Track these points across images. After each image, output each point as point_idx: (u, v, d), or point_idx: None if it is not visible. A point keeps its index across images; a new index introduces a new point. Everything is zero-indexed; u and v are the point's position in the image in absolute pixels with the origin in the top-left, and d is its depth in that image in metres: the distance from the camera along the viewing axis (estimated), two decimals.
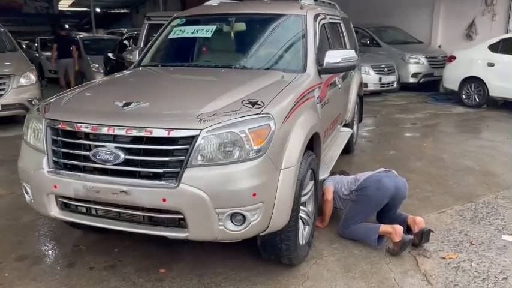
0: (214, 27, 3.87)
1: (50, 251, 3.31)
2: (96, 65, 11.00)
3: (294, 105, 2.82)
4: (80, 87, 3.21)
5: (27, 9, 22.35)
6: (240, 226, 2.42)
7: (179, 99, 2.79)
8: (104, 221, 2.61)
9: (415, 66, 11.24)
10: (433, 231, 3.55)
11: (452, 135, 7.29)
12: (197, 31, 3.92)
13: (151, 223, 2.51)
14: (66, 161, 2.56)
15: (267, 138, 2.44)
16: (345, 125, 5.36)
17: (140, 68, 3.82)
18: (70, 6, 28.20)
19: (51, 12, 23.95)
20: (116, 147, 2.43)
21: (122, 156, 2.40)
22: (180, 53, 3.99)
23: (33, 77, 7.07)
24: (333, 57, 3.51)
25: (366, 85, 10.15)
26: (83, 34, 16.11)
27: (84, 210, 2.69)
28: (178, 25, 4.08)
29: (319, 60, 3.53)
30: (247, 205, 2.38)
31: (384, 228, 3.26)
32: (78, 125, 2.52)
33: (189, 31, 3.96)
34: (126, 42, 10.63)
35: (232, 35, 3.93)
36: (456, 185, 4.69)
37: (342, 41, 5.17)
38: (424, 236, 3.29)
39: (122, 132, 2.42)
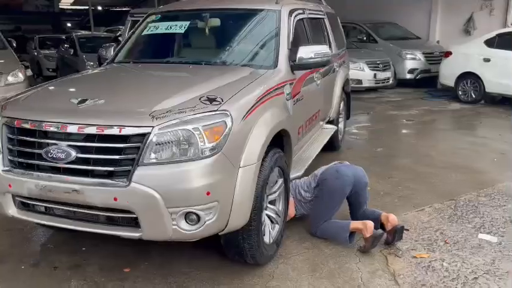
0: (187, 23, 3.82)
1: (16, 250, 3.28)
2: (91, 63, 10.98)
3: (257, 102, 2.76)
4: (44, 85, 3.17)
5: (27, 7, 22.44)
6: (194, 226, 2.37)
7: (136, 96, 2.74)
8: (60, 220, 2.57)
9: (412, 62, 11.12)
10: (407, 230, 3.49)
11: (445, 132, 7.19)
12: (170, 27, 3.86)
13: (105, 222, 2.47)
14: (20, 160, 2.52)
15: (223, 135, 2.39)
16: (329, 122, 5.29)
17: (113, 65, 3.77)
18: (72, 4, 28.27)
19: (51, 11, 24.02)
20: (68, 145, 2.38)
21: (74, 154, 2.36)
22: (153, 50, 3.94)
23: (21, 75, 7.05)
24: (306, 52, 3.45)
25: (360, 81, 10.13)
26: (81, 32, 16.12)
27: (42, 209, 2.65)
28: (153, 21, 4.04)
29: (292, 56, 3.47)
30: (201, 204, 2.32)
31: (354, 224, 3.20)
32: (32, 122, 2.48)
33: (162, 27, 3.90)
34: (120, 39, 10.60)
35: (207, 30, 3.87)
36: (440, 182, 4.61)
37: (326, 36, 5.10)
38: (397, 233, 3.22)
39: (74, 130, 2.38)
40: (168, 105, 2.46)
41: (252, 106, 2.69)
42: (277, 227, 3.18)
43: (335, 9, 6.05)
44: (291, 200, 3.47)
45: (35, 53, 15.28)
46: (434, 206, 4.00)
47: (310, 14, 4.49)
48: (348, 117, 6.26)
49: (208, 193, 2.32)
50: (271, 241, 3.06)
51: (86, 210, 2.45)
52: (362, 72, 10.15)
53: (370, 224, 3.15)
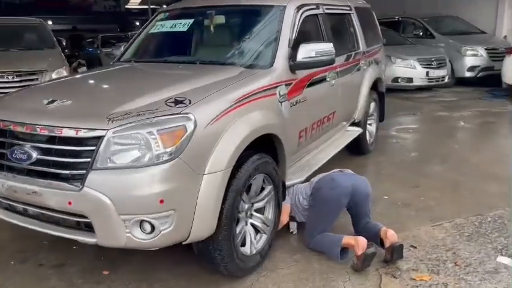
0: (191, 21, 3.72)
1: (12, 245, 3.35)
2: None
3: (234, 104, 2.59)
4: (38, 84, 3.22)
5: (97, 7, 23.71)
6: (148, 234, 2.26)
7: (107, 97, 2.68)
8: (31, 221, 2.56)
9: (472, 58, 10.26)
10: (414, 247, 3.16)
11: (495, 137, 6.53)
12: (175, 25, 3.79)
13: (66, 226, 2.43)
14: None
15: (181, 140, 2.25)
16: (354, 124, 4.96)
17: (115, 64, 3.77)
18: (140, 4, 29.34)
19: (118, 11, 25.19)
20: (31, 147, 2.37)
21: (34, 156, 2.34)
22: (156, 49, 3.90)
23: (65, 73, 7.36)
24: (306, 51, 3.23)
25: (411, 80, 9.54)
26: None
27: (20, 209, 2.65)
28: (161, 19, 3.99)
29: (293, 55, 3.25)
30: (154, 213, 2.21)
31: (346, 239, 2.93)
32: (2, 122, 2.49)
33: (168, 26, 3.85)
34: None
35: (212, 28, 3.75)
36: (471, 194, 4.14)
37: (351, 33, 4.79)
38: (395, 251, 2.90)
39: (37, 131, 2.36)
40: (130, 107, 2.37)
41: (226, 109, 2.53)
42: (264, 236, 3.00)
43: (392, 4, 5.66)
44: (285, 206, 3.25)
45: (98, 51, 16.07)
46: (456, 221, 3.59)
47: (328, 9, 4.21)
48: (381, 119, 5.85)
49: (161, 201, 2.19)
50: (254, 252, 2.88)
51: (49, 212, 2.42)
52: (413, 70, 9.53)
53: (362, 240, 2.87)
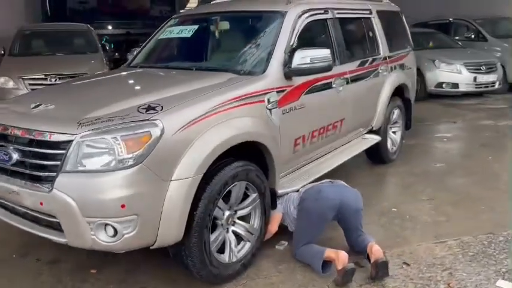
0: (195, 27, 3.77)
1: (18, 239, 3.54)
2: None
3: (210, 111, 2.59)
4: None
5: (154, 12, 24.64)
6: (112, 238, 2.31)
7: (85, 102, 2.75)
8: (19, 219, 2.69)
9: None
10: (408, 264, 2.99)
11: None
12: (181, 31, 3.86)
13: (43, 225, 2.54)
14: None
15: (145, 146, 2.28)
16: (373, 132, 4.79)
17: (121, 69, 3.90)
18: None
19: (173, 15, 25.87)
20: (14, 148, 2.50)
21: (15, 157, 2.47)
22: (160, 54, 3.99)
23: None
24: (301, 57, 3.18)
25: (456, 85, 9.08)
26: None
27: (10, 208, 2.80)
28: (171, 25, 4.07)
29: (289, 62, 3.21)
30: (116, 217, 2.25)
31: (328, 253, 2.84)
32: None
33: (175, 32, 3.93)
34: None
35: (217, 34, 3.77)
36: (489, 211, 3.86)
37: (369, 37, 4.63)
38: (379, 268, 2.77)
39: (19, 134, 2.49)
40: (103, 112, 2.44)
41: (200, 116, 2.53)
42: (247, 245, 2.97)
43: (445, 5, 5.42)
44: (276, 215, 3.20)
45: None
46: (463, 239, 3.36)
47: (340, 13, 4.10)
48: (408, 127, 5.59)
49: (123, 206, 2.24)
50: (234, 260, 2.86)
51: (30, 211, 2.54)
52: (459, 75, 9.03)
53: (342, 255, 2.76)
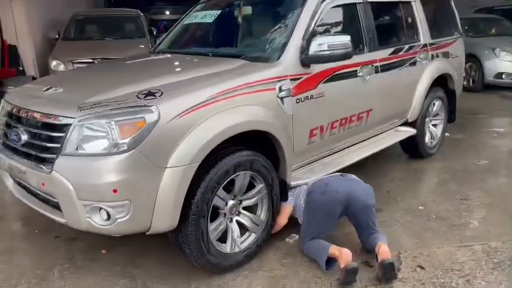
0: (218, 12, 3.72)
1: (42, 217, 3.69)
2: None
3: (212, 99, 2.53)
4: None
5: None
6: (106, 221, 2.34)
7: (90, 87, 2.79)
8: (32, 199, 2.80)
9: None
10: (423, 268, 2.80)
11: None
12: (205, 16, 3.82)
13: (50, 205, 2.61)
14: (3, 139, 2.84)
15: (139, 132, 2.27)
16: (409, 124, 4.52)
17: (143, 54, 3.93)
18: None
19: None
20: (23, 129, 2.59)
21: (23, 138, 2.56)
22: (183, 39, 3.95)
23: None
24: (318, 44, 3.04)
25: None
26: None
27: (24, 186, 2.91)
28: (197, 10, 4.04)
29: (306, 48, 3.07)
30: (108, 201, 2.27)
31: (332, 249, 2.72)
32: (11, 106, 2.77)
33: (199, 17, 3.89)
34: None
35: (239, 19, 3.69)
36: None
37: (409, 23, 4.35)
38: (385, 269, 2.61)
39: (28, 115, 2.58)
40: (104, 97, 2.46)
41: (201, 103, 2.48)
42: (253, 236, 2.92)
43: None
44: (286, 207, 3.11)
45: None
46: (491, 244, 3.09)
47: None
48: (451, 119, 5.22)
49: (115, 191, 2.25)
50: (237, 250, 2.82)
51: (39, 192, 2.63)
52: None
53: (346, 253, 2.63)
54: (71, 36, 8.57)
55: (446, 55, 4.86)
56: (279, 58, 3.04)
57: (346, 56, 3.12)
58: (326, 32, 3.40)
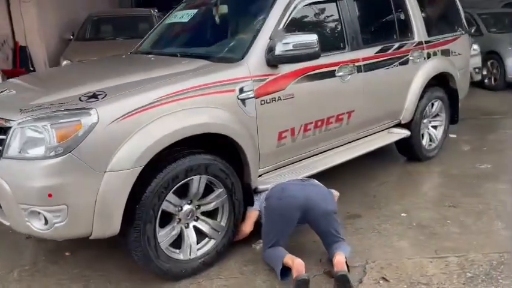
0: (194, 11, 3.65)
1: None
2: None
3: (159, 101, 2.46)
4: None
5: None
6: (44, 226, 2.30)
7: (39, 89, 2.77)
8: None
9: None
10: (387, 280, 2.64)
11: None
12: (182, 16, 3.75)
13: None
14: None
15: (75, 135, 2.22)
16: (403, 126, 4.31)
17: (116, 56, 3.91)
18: None
19: None
20: None
21: None
22: (160, 39, 3.88)
23: None
24: (284, 44, 2.91)
25: None
26: None
27: None
28: (178, 10, 3.98)
29: (273, 48, 2.96)
30: (44, 205, 2.24)
31: (286, 258, 2.60)
32: None
33: (178, 16, 3.83)
34: None
35: (215, 19, 3.60)
36: None
37: (402, 20, 4.15)
38: (338, 282, 2.46)
39: None
40: (48, 100, 2.44)
41: (144, 105, 2.41)
42: (212, 242, 2.83)
43: None
44: (252, 213, 3.00)
45: None
46: (469, 256, 2.88)
47: None
48: (454, 120, 4.95)
49: (50, 195, 2.21)
50: (193, 257, 2.74)
51: None
52: None
53: (298, 262, 2.51)
54: (84, 37, 8.71)
55: (446, 53, 4.61)
56: (242, 58, 2.93)
57: (312, 56, 2.98)
58: (299, 30, 3.26)
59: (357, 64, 3.59)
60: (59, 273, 2.88)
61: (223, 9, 3.55)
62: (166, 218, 2.66)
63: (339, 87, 3.47)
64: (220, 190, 2.79)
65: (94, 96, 2.39)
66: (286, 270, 2.60)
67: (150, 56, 3.48)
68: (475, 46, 7.94)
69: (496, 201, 3.67)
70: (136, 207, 2.42)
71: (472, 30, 8.88)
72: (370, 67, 3.71)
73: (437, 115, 4.74)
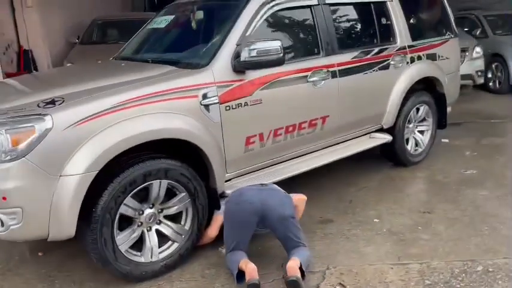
0: (171, 17, 3.71)
1: None
2: None
3: (115, 107, 2.52)
4: None
5: None
6: (1, 228, 2.39)
7: (5, 95, 2.85)
8: None
9: None
10: (344, 286, 2.64)
11: None
12: (160, 22, 3.82)
13: None
14: None
15: (29, 140, 2.30)
16: (385, 130, 4.29)
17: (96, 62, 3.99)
18: None
19: None
20: None
21: None
22: (139, 45, 3.94)
23: None
24: (249, 50, 2.95)
25: None
26: None
27: None
28: (158, 16, 4.05)
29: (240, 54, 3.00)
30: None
31: (241, 263, 2.64)
32: None
33: (157, 22, 3.90)
34: None
35: (190, 24, 3.65)
36: (489, 232, 3.22)
37: (383, 24, 4.14)
38: (289, 286, 2.48)
39: None
40: (8, 105, 2.53)
41: (101, 111, 2.48)
42: (175, 245, 2.88)
43: None
44: (217, 217, 3.03)
45: None
46: (431, 263, 2.86)
47: None
48: (441, 125, 4.89)
49: (4, 198, 2.29)
50: (155, 259, 2.80)
51: None
52: None
53: (250, 267, 2.54)
54: (89, 40, 8.87)
55: (432, 57, 4.57)
56: (208, 64, 2.97)
57: (276, 62, 3.01)
58: (271, 37, 3.29)
59: (331, 69, 3.59)
60: (28, 273, 2.97)
61: (200, 15, 3.60)
62: (127, 221, 2.72)
63: (311, 92, 3.48)
64: (183, 194, 2.84)
65: (52, 102, 2.47)
66: (242, 275, 2.63)
67: (121, 62, 3.54)
68: (478, 49, 7.86)
69: (472, 208, 3.63)
70: (93, 210, 2.49)
71: (477, 33, 8.77)
72: (346, 72, 3.71)
73: (424, 120, 4.70)
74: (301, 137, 3.52)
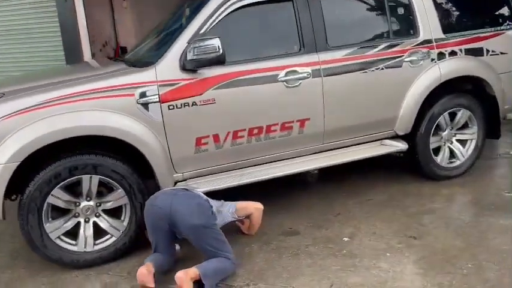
0: (169, 16, 3.80)
1: None
2: None
3: (46, 102, 2.71)
4: None
5: None
6: None
7: None
8: None
9: None
10: None
11: None
12: (160, 22, 3.93)
13: None
14: None
15: None
16: (401, 137, 3.75)
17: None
18: None
19: None
20: None
21: None
22: (137, 45, 4.07)
23: None
24: (193, 48, 2.91)
25: None
26: None
27: None
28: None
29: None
30: None
31: (142, 266, 2.58)
32: None
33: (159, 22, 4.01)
34: None
35: (184, 21, 3.66)
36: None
37: (402, 16, 3.64)
38: None
39: None
40: None
41: (32, 106, 2.68)
42: (112, 239, 2.98)
43: None
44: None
45: None
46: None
47: None
48: (494, 135, 4.05)
49: None
50: (89, 250, 2.93)
51: None
52: None
53: (139, 271, 2.51)
54: None
55: (476, 52, 3.80)
56: (155, 63, 2.98)
57: (217, 61, 2.86)
58: (236, 34, 3.15)
59: (314, 68, 3.26)
60: None
61: (188, 12, 3.59)
62: (66, 212, 2.90)
63: (282, 92, 3.21)
64: (119, 191, 2.91)
65: None
66: None
67: (93, 60, 3.74)
68: None
69: (475, 240, 2.95)
70: (21, 199, 2.72)
71: None
72: (335, 71, 3.33)
73: (465, 127, 3.95)
74: (273, 140, 3.28)
